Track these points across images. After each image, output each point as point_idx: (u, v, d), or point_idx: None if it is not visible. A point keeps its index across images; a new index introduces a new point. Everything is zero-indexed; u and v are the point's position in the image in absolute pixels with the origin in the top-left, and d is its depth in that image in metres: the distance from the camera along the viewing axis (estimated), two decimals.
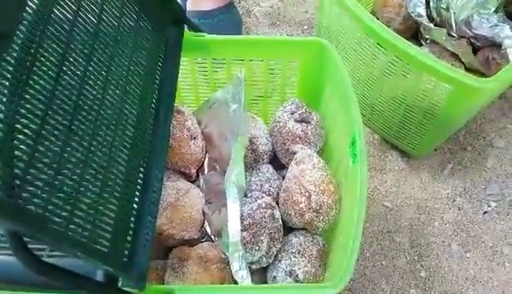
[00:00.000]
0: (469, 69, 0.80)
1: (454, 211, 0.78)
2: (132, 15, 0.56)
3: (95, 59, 0.47)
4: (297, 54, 0.66)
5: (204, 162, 0.68)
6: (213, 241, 0.61)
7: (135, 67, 0.55)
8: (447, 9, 0.84)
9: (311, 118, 0.67)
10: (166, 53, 0.62)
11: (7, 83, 0.36)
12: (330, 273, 0.57)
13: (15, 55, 0.37)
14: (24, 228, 0.34)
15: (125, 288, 0.44)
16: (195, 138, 0.66)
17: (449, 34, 0.83)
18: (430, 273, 0.73)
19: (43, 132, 0.38)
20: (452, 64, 0.78)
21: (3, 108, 0.36)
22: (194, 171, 0.67)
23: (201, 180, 0.67)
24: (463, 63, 0.81)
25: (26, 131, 0.37)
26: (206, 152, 0.68)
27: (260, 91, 0.72)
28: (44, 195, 0.37)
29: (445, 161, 0.83)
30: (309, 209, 0.57)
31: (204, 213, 0.61)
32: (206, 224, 0.61)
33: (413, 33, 0.87)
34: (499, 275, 0.73)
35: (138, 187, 0.51)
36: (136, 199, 0.50)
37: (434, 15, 0.85)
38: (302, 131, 0.66)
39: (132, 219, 0.48)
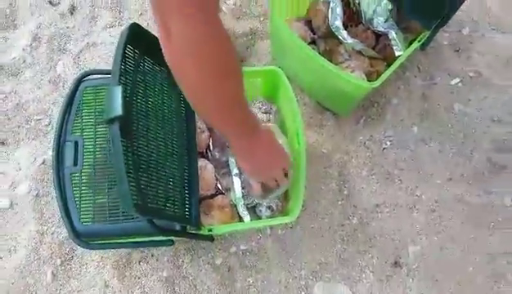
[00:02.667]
0: (371, 58, 1.21)
1: (364, 150, 1.25)
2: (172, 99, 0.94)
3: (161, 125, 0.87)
4: (260, 75, 1.06)
5: (209, 144, 1.10)
6: (223, 193, 1.05)
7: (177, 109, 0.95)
8: (360, 4, 1.22)
9: (272, 109, 1.09)
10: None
11: (132, 151, 0.78)
12: (289, 204, 1.04)
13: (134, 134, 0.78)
14: (152, 216, 0.78)
15: (191, 231, 0.90)
16: (203, 132, 1.08)
17: (361, 23, 1.23)
18: (350, 190, 1.21)
19: (149, 168, 0.81)
20: (356, 57, 1.19)
21: (132, 164, 0.77)
22: (205, 150, 1.09)
23: (209, 154, 1.10)
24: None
25: (143, 169, 0.79)
26: (211, 137, 1.10)
27: None
28: (157, 197, 0.81)
29: (359, 116, 1.28)
30: None
31: (216, 178, 1.05)
32: (218, 184, 1.06)
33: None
34: (391, 189, 1.22)
35: (186, 174, 0.94)
36: (186, 181, 0.93)
37: (351, 4, 1.24)
38: (267, 118, 1.08)
39: (187, 193, 0.92)
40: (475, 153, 1.26)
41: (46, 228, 1.14)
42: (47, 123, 1.24)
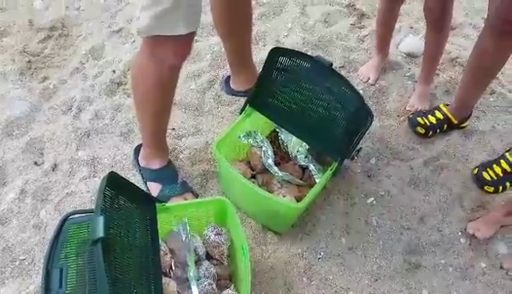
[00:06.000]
0: (299, 185, 1.54)
1: (302, 261, 1.49)
2: (141, 227, 1.21)
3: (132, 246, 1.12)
4: (212, 205, 1.35)
5: (171, 264, 1.33)
6: None
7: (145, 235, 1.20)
8: (287, 146, 1.58)
9: (222, 231, 1.35)
10: (151, 219, 1.26)
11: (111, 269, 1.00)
12: None
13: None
14: None
15: None
16: (166, 254, 1.31)
17: (290, 159, 1.57)
18: None
19: (123, 282, 1.02)
20: (287, 186, 1.51)
21: (109, 276, 0.99)
22: (168, 270, 1.31)
23: (172, 273, 1.32)
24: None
25: (118, 281, 1.01)
26: (172, 258, 1.33)
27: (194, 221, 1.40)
28: None
29: (297, 232, 1.55)
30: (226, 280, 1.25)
31: (178, 292, 1.26)
32: None
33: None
34: (328, 291, 1.45)
35: (152, 289, 1.15)
36: None
37: (281, 145, 1.59)
38: (219, 239, 1.34)
39: None
40: (394, 256, 1.53)
41: None
42: (29, 262, 1.44)
